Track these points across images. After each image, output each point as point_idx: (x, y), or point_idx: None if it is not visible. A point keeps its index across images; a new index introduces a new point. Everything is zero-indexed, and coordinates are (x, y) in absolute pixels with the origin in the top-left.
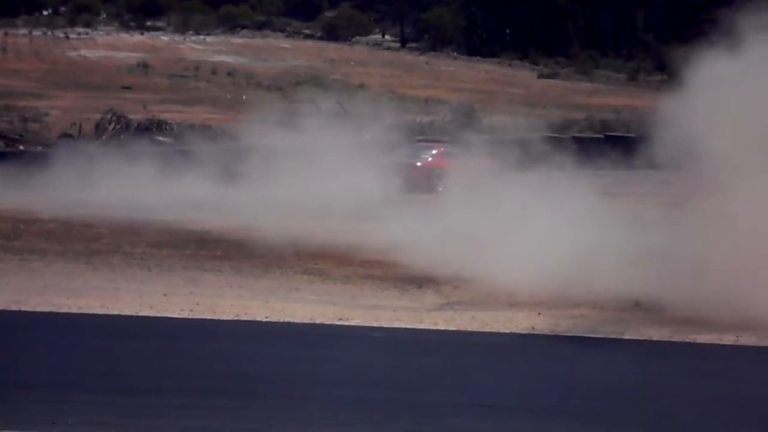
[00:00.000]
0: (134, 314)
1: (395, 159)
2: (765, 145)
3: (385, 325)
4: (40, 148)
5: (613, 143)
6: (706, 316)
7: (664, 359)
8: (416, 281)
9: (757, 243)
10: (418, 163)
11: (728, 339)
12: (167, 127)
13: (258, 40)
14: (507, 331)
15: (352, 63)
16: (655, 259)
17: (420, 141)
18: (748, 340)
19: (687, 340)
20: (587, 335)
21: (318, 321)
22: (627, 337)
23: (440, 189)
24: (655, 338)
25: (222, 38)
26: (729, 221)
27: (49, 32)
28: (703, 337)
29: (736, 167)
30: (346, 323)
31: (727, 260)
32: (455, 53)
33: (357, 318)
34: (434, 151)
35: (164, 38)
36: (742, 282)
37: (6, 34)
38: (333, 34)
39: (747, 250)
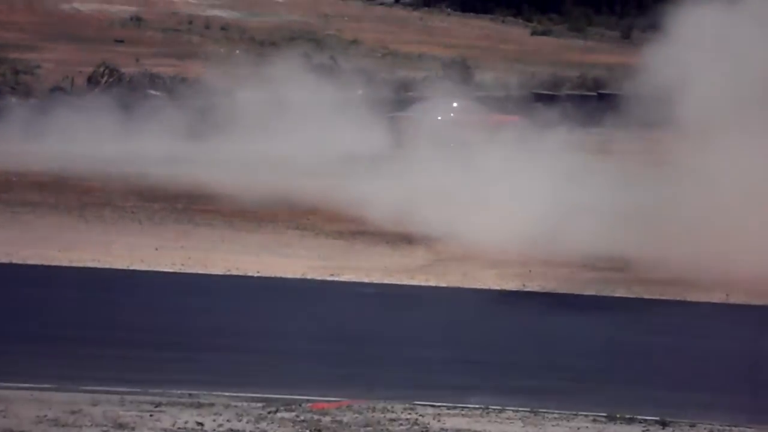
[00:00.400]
0: (126, 268)
1: (409, 113)
2: (750, 101)
3: (376, 281)
4: (32, 100)
5: (606, 101)
6: (693, 276)
7: (657, 317)
8: (406, 237)
9: (739, 201)
10: (439, 117)
11: (718, 297)
12: (160, 80)
13: None
14: (497, 288)
15: (346, 18)
16: (640, 217)
17: (441, 96)
18: (737, 298)
19: (678, 299)
20: (577, 293)
21: (309, 276)
22: (617, 295)
23: (451, 145)
24: (646, 296)
25: None
26: (712, 179)
27: None
28: (693, 296)
29: (720, 124)
30: (337, 279)
31: (711, 219)
32: (449, 9)
33: (349, 274)
34: (455, 106)
35: None
36: (727, 241)
37: None
38: None
39: (730, 208)
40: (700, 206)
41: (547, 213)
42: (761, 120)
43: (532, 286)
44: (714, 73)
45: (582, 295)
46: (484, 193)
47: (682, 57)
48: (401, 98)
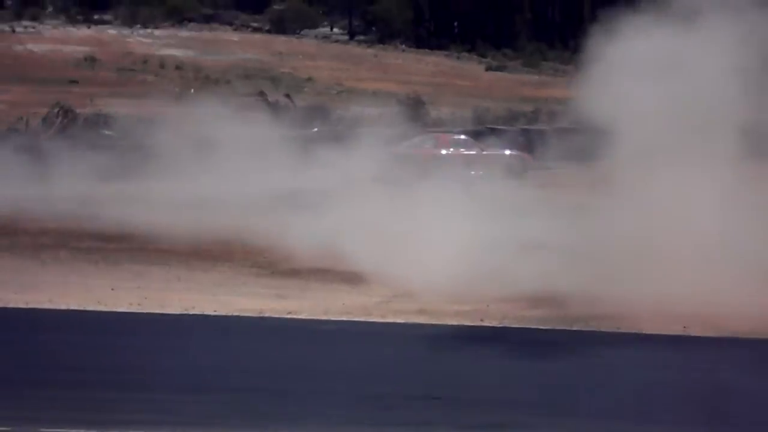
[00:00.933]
0: (82, 309)
1: (399, 148)
2: (694, 130)
3: (334, 318)
4: None
5: (559, 135)
6: (643, 309)
7: (616, 350)
8: (361, 275)
9: (675, 235)
10: (413, 152)
11: (676, 329)
12: (114, 121)
13: (206, 33)
14: (455, 323)
15: (301, 56)
16: (586, 251)
17: (434, 132)
18: (695, 331)
19: (634, 331)
20: (536, 327)
21: (267, 314)
22: (575, 328)
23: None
24: (603, 329)
25: (170, 31)
26: (647, 212)
27: None
28: (649, 327)
29: (665, 154)
30: (295, 316)
31: (647, 253)
32: (403, 46)
33: (306, 311)
34: (429, 142)
35: (111, 32)
36: (661, 274)
37: None
38: (281, 26)
39: (665, 243)
40: (645, 238)
41: (494, 248)
42: (706, 150)
43: (491, 321)
44: (657, 101)
45: (542, 330)
46: (431, 229)
47: (624, 87)
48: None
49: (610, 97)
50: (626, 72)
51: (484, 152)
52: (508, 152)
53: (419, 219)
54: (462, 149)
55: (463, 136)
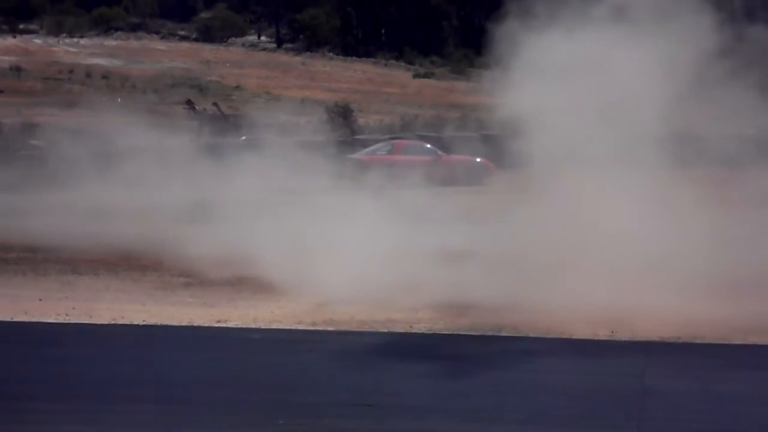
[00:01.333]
0: (9, 320)
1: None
2: (609, 135)
3: (263, 326)
4: None
5: (485, 142)
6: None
7: (544, 354)
8: (289, 283)
9: (601, 240)
10: (360, 158)
11: (603, 334)
12: (41, 130)
13: (133, 42)
14: (385, 330)
15: (228, 64)
16: (510, 259)
17: (396, 138)
18: (623, 334)
19: (564, 336)
20: (466, 333)
21: (196, 323)
22: (504, 334)
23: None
24: (532, 335)
25: (96, 41)
26: (572, 218)
27: None
28: (580, 332)
29: (586, 159)
30: (224, 325)
31: (572, 259)
32: (331, 53)
33: (235, 320)
34: (386, 148)
35: (37, 41)
36: (588, 281)
37: None
38: (208, 35)
39: (571, 252)
40: (571, 244)
41: (421, 256)
42: (632, 154)
43: (420, 328)
44: (578, 104)
45: (473, 336)
46: (358, 238)
47: (543, 90)
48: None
49: (530, 101)
50: (546, 74)
51: (447, 158)
52: (478, 159)
53: (348, 228)
54: (420, 155)
55: (427, 144)
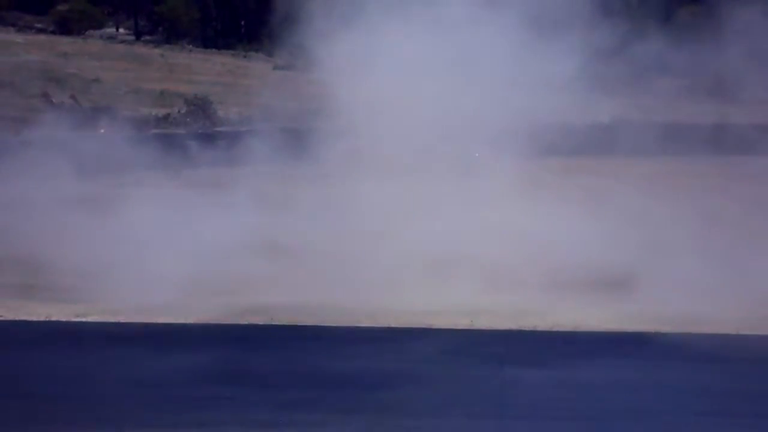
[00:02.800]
0: None
1: None
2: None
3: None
4: None
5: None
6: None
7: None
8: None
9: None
10: None
11: (463, 323)
12: None
13: None
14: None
15: (86, 57)
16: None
17: None
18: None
19: (424, 326)
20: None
21: (54, 318)
22: (276, 322)
23: None
24: (336, 324)
25: None
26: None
27: None
28: (439, 322)
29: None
30: (83, 320)
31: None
32: (190, 46)
33: (95, 315)
34: None
35: None
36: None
37: None
38: (66, 27)
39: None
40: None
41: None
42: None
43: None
44: (398, 99)
45: (326, 327)
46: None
47: (367, 84)
48: None
49: (353, 96)
50: (369, 69)
51: None
52: None
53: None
54: None
55: None
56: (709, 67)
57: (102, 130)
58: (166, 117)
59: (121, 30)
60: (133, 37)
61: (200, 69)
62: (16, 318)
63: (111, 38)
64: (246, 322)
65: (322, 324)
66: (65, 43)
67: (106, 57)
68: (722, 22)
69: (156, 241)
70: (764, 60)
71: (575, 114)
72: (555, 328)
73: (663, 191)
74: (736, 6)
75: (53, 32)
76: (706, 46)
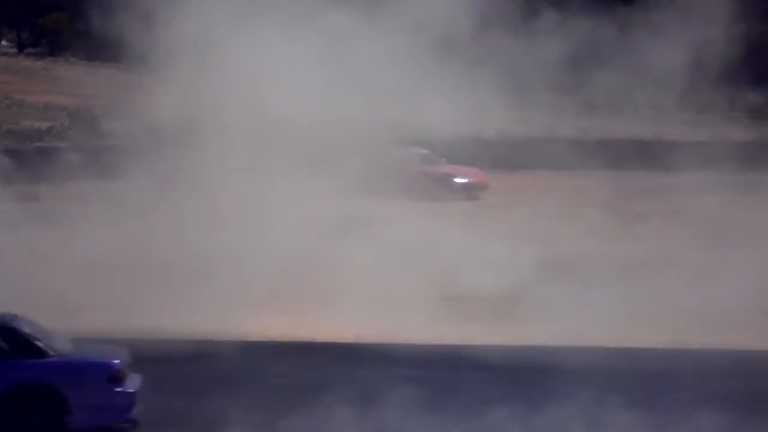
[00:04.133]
0: None
1: None
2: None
3: None
4: None
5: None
6: None
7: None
8: None
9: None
10: None
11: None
12: None
13: None
14: None
15: None
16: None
17: None
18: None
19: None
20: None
21: None
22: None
23: None
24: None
25: None
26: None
27: None
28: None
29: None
30: None
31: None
32: (74, 59)
33: None
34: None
35: None
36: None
37: None
38: None
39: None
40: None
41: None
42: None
43: None
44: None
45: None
46: None
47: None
48: None
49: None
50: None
51: None
52: None
53: None
54: None
55: None
56: (595, 82)
57: None
58: (49, 130)
59: (4, 42)
60: (15, 50)
61: (84, 82)
62: None
63: None
64: None
65: None
66: None
67: None
68: (607, 38)
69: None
70: (649, 76)
71: (459, 127)
72: None
73: (540, 204)
74: (622, 22)
75: None
76: (593, 61)
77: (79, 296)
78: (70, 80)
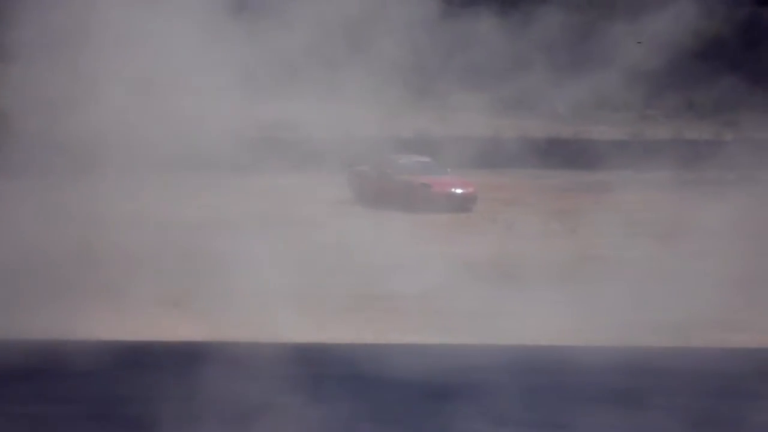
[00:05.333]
0: None
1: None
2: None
3: None
4: None
5: None
6: None
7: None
8: None
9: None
10: None
11: None
12: None
13: None
14: None
15: None
16: None
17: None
18: None
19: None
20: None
21: None
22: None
23: None
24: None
25: None
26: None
27: None
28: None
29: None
30: None
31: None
32: None
33: None
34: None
35: None
36: None
37: None
38: None
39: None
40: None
41: None
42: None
43: None
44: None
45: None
46: None
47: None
48: None
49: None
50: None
51: None
52: None
53: None
54: None
55: None
56: (511, 80)
57: None
58: None
59: None
60: None
61: None
62: None
63: None
64: None
65: None
66: None
67: None
68: (525, 36)
69: None
70: (565, 74)
71: (377, 127)
72: None
73: None
74: (538, 20)
75: None
76: (507, 60)
77: None
78: None
